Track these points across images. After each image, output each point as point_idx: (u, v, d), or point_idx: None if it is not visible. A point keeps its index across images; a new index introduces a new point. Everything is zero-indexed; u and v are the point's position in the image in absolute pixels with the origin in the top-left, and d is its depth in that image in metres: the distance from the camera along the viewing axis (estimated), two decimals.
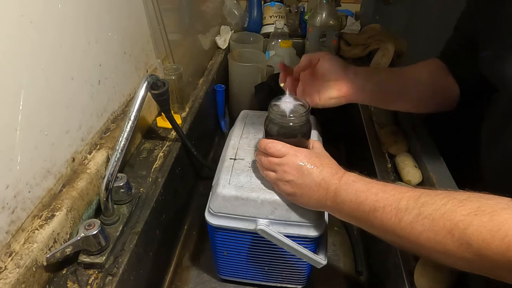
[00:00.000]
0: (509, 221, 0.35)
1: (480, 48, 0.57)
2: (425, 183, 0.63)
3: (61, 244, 0.49)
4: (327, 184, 0.49)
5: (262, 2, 1.31)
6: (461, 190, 0.41)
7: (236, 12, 1.22)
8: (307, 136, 0.55)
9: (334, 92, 0.61)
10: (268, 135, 0.55)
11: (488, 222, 0.35)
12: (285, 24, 1.25)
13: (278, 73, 1.02)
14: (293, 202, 0.53)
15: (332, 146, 0.66)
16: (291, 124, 0.53)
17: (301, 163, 0.50)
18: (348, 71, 0.62)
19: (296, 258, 0.59)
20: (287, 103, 0.55)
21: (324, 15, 1.10)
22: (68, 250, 0.48)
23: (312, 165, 0.50)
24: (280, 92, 0.56)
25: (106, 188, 0.53)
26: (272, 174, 0.53)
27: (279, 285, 0.68)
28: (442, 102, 0.65)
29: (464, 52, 0.62)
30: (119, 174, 0.57)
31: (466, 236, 0.36)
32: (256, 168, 0.58)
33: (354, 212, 0.47)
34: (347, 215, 0.48)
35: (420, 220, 0.40)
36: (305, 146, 0.55)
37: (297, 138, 0.53)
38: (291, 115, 0.52)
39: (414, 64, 0.68)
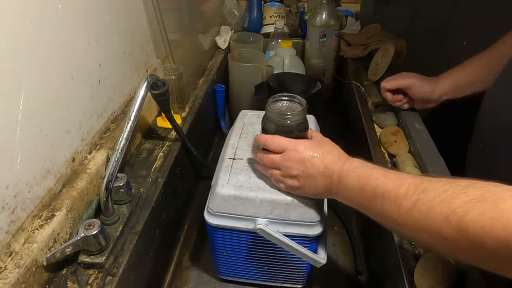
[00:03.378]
0: None
1: None
2: None
3: (61, 244, 0.49)
4: (331, 172, 0.49)
5: (262, 2, 1.31)
6: (466, 178, 0.39)
7: (236, 12, 1.22)
8: (304, 133, 0.55)
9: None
10: (265, 133, 0.55)
11: (490, 210, 0.34)
12: (285, 24, 1.25)
13: (278, 73, 1.03)
14: (301, 195, 0.53)
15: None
16: (288, 122, 0.53)
17: (303, 155, 0.50)
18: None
19: (295, 258, 0.59)
20: (284, 102, 0.55)
21: (324, 15, 1.10)
22: (68, 250, 0.48)
23: (313, 155, 0.50)
24: (280, 92, 0.57)
25: (106, 188, 0.53)
26: (276, 172, 0.53)
27: (279, 284, 0.68)
28: None
29: None
30: (119, 174, 0.57)
31: (464, 223, 0.35)
32: (255, 167, 0.58)
33: (357, 198, 0.46)
34: (352, 201, 0.48)
35: (418, 206, 0.39)
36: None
37: (295, 135, 0.54)
38: (288, 113, 0.53)
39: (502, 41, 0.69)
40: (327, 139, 0.54)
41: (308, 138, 0.56)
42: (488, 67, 0.67)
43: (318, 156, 0.50)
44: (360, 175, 0.46)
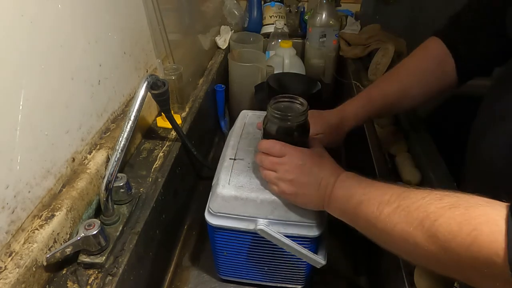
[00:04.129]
0: (481, 217, 0.34)
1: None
2: (425, 183, 0.63)
3: (61, 244, 0.49)
4: (327, 182, 0.49)
5: (262, 2, 1.31)
6: (448, 190, 0.40)
7: (236, 12, 1.22)
8: (306, 134, 0.55)
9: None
10: (266, 134, 0.55)
11: (460, 216, 0.35)
12: (285, 24, 1.25)
13: (278, 73, 1.03)
14: (293, 203, 0.53)
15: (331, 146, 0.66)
16: (289, 123, 0.53)
17: (302, 162, 0.50)
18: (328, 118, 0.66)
19: (295, 258, 0.59)
20: (285, 102, 0.55)
21: (324, 15, 1.10)
22: (68, 250, 0.48)
23: (313, 164, 0.50)
24: (280, 92, 0.57)
25: (106, 188, 0.53)
26: (272, 173, 0.53)
27: (279, 285, 0.68)
28: (443, 84, 0.65)
29: (473, 25, 0.61)
30: (119, 174, 0.57)
31: (434, 227, 0.36)
32: (256, 168, 0.58)
33: (344, 206, 0.47)
34: (339, 211, 0.49)
35: (398, 211, 0.40)
36: (304, 144, 0.55)
37: (296, 136, 0.54)
38: (290, 114, 0.53)
39: (411, 56, 0.68)
40: (326, 152, 0.55)
41: (309, 142, 0.56)
42: (398, 98, 0.66)
43: (318, 166, 0.50)
44: (350, 185, 0.48)
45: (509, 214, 0.32)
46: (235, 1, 1.22)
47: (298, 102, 0.55)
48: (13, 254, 0.44)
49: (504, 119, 0.47)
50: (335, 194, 0.48)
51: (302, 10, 1.38)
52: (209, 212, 0.57)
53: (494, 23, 0.57)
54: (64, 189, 0.53)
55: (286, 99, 0.56)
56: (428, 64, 0.65)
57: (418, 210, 0.38)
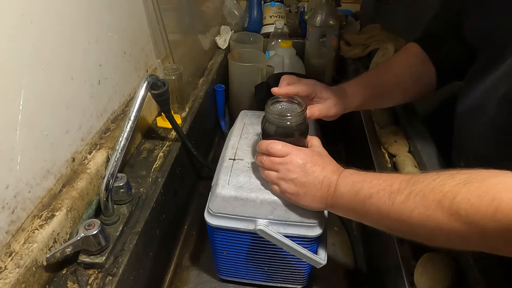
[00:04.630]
0: (498, 185, 0.35)
1: (463, 16, 0.60)
2: None
3: (61, 244, 0.49)
4: (329, 181, 0.49)
5: (262, 2, 1.31)
6: (454, 169, 0.41)
7: (236, 12, 1.22)
8: (305, 134, 0.55)
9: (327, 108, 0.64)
10: (265, 135, 0.55)
11: (477, 189, 0.35)
12: (285, 24, 1.25)
13: (278, 73, 1.02)
14: (294, 203, 0.53)
15: (332, 146, 0.66)
16: (288, 123, 0.53)
17: (304, 162, 0.50)
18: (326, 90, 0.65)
19: (295, 258, 0.59)
20: (283, 103, 0.55)
21: (324, 15, 1.10)
22: (68, 250, 0.48)
23: (314, 163, 0.51)
24: None
25: (106, 188, 0.53)
26: (273, 173, 0.53)
27: (279, 285, 0.68)
28: (421, 89, 0.69)
29: (444, 34, 0.66)
30: (119, 174, 0.57)
31: (455, 205, 0.36)
32: (256, 168, 0.58)
33: (352, 203, 0.47)
34: (346, 208, 0.49)
35: (411, 198, 0.40)
36: (303, 144, 0.55)
37: (295, 137, 0.54)
38: (288, 114, 0.53)
39: (394, 57, 0.72)
40: (326, 151, 0.55)
41: (307, 142, 0.56)
42: (393, 88, 0.69)
43: (320, 165, 0.50)
44: (354, 181, 0.47)
45: None
46: (235, 1, 1.22)
47: (296, 102, 0.55)
48: (13, 254, 0.44)
49: (481, 108, 0.51)
50: (340, 192, 0.48)
51: (302, 10, 1.38)
52: (208, 212, 0.57)
53: (458, 33, 0.62)
54: (64, 189, 0.53)
55: (284, 100, 0.56)
56: (415, 60, 0.69)
57: (433, 192, 0.38)
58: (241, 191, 0.55)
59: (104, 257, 0.50)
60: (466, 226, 0.36)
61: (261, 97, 0.97)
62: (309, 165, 0.50)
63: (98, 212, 0.58)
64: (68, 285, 0.48)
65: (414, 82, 0.68)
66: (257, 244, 0.60)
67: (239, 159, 0.60)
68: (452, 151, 0.61)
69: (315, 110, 0.62)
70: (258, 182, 0.56)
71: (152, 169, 0.68)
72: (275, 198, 0.54)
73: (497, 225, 0.33)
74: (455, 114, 0.59)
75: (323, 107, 0.63)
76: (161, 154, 0.72)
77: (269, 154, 0.53)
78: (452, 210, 0.36)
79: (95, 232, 0.49)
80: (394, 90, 0.69)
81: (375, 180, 0.45)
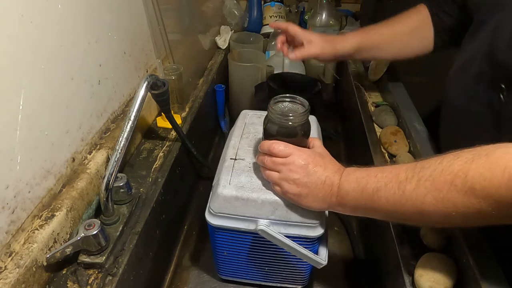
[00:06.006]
0: (506, 155, 0.35)
1: None
2: None
3: (61, 244, 0.49)
4: (331, 181, 0.49)
5: (262, 2, 1.31)
6: (455, 150, 0.41)
7: (236, 12, 1.22)
8: (307, 135, 0.55)
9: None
10: (267, 135, 0.55)
11: (486, 163, 0.36)
12: None
13: (278, 73, 1.03)
14: (296, 203, 0.53)
15: (332, 146, 0.66)
16: (290, 123, 0.52)
17: (306, 162, 0.50)
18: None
19: (296, 259, 0.59)
20: (286, 103, 0.55)
21: (324, 15, 1.11)
22: (68, 250, 0.48)
23: (316, 164, 0.50)
24: (280, 92, 0.57)
25: (106, 188, 0.53)
26: (275, 174, 0.53)
27: (279, 285, 0.68)
28: (418, 44, 0.75)
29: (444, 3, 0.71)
30: (119, 174, 0.57)
31: (468, 182, 0.37)
32: (257, 168, 0.57)
33: (359, 200, 0.47)
34: (353, 206, 0.48)
35: (422, 184, 0.40)
36: (304, 145, 0.55)
37: (297, 137, 0.53)
38: (290, 114, 0.52)
39: (404, 13, 0.78)
40: (327, 152, 0.55)
41: (309, 142, 0.56)
42: (391, 39, 0.76)
43: (321, 165, 0.50)
44: (358, 177, 0.47)
45: None
46: (235, 1, 1.22)
47: (299, 102, 0.55)
48: (13, 254, 0.44)
49: (467, 68, 0.54)
50: (344, 190, 0.48)
51: (302, 10, 1.38)
52: (209, 212, 0.57)
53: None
54: (64, 189, 0.53)
55: (287, 99, 0.56)
56: (417, 16, 0.75)
57: (443, 174, 0.39)
58: (242, 191, 0.55)
59: (104, 257, 0.50)
60: (483, 200, 0.36)
61: (261, 97, 0.97)
62: (311, 166, 0.50)
63: (98, 212, 0.57)
64: (68, 285, 0.48)
65: (410, 33, 0.74)
66: (257, 244, 0.60)
67: (240, 159, 0.60)
68: (441, 122, 0.64)
69: (301, 51, 0.73)
70: (260, 182, 0.56)
71: (152, 169, 0.68)
72: (276, 198, 0.54)
73: None
74: (447, 79, 0.61)
75: (310, 46, 0.73)
76: (161, 154, 0.72)
77: (271, 154, 0.53)
78: (466, 188, 0.37)
79: (95, 232, 0.49)
80: (391, 40, 0.75)
81: (380, 174, 0.45)
